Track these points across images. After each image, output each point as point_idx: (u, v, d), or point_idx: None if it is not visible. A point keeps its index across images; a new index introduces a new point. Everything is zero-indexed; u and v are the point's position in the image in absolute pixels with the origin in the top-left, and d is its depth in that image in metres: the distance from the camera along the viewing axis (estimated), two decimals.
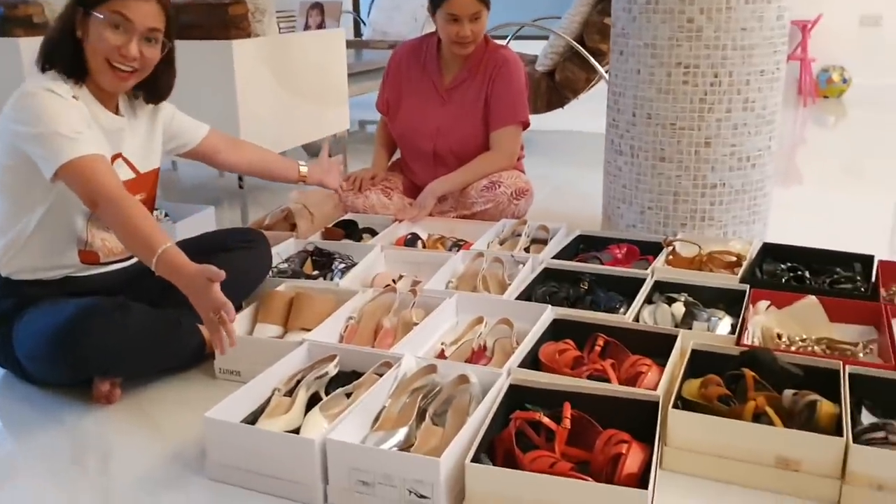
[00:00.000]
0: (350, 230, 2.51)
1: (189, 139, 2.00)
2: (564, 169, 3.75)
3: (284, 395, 1.54)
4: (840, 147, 4.43)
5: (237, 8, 2.80)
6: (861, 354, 1.69)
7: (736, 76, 2.31)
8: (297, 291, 1.93)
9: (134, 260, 1.88)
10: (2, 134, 1.65)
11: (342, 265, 2.20)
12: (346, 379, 1.60)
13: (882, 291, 1.96)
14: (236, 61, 2.75)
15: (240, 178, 3.00)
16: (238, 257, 1.92)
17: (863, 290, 1.96)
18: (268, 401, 1.53)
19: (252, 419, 1.48)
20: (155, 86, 1.80)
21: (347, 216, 2.61)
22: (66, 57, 1.66)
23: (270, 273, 2.08)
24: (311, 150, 4.24)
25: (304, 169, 2.26)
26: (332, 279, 2.12)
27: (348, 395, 1.54)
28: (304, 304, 1.87)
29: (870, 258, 2.12)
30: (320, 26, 4.23)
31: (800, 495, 1.34)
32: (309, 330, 1.79)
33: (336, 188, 2.46)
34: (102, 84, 1.69)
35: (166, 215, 2.55)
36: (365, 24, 5.88)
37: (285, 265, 2.20)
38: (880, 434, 1.36)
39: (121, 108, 1.79)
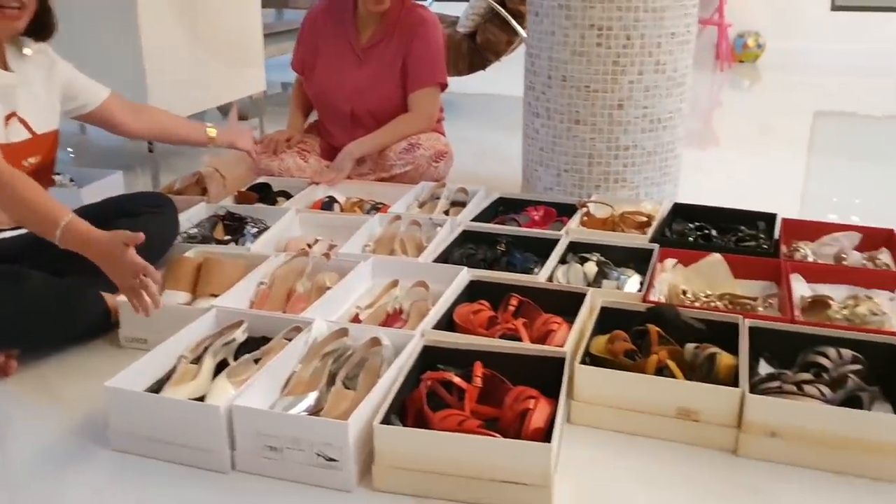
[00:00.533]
0: (264, 194, 2.46)
1: (88, 100, 1.92)
2: (487, 132, 3.75)
3: (191, 363, 1.51)
4: (754, 110, 4.55)
5: None
6: (760, 308, 1.75)
7: (648, 38, 2.33)
8: (206, 257, 1.89)
9: None
10: None
11: (254, 229, 2.16)
12: (255, 345, 1.58)
13: (783, 248, 2.03)
14: (141, 17, 2.64)
15: (150, 143, 2.90)
16: (143, 222, 1.85)
17: (765, 247, 2.03)
18: (173, 369, 1.49)
19: (157, 388, 1.44)
20: (41, 22, 1.74)
21: (262, 179, 2.56)
22: None
23: (178, 238, 2.03)
24: (225, 112, 4.13)
25: (212, 131, 2.20)
26: (243, 244, 2.08)
27: (257, 361, 1.52)
28: (213, 270, 1.83)
29: (773, 216, 2.19)
30: None
31: (699, 444, 1.39)
32: (217, 296, 1.75)
33: (248, 150, 2.40)
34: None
35: (71, 180, 2.45)
36: None
37: (195, 230, 2.14)
38: (775, 384, 1.41)
39: (10, 64, 1.70)
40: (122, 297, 1.71)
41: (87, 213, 1.88)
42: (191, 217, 2.20)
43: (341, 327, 1.57)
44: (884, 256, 2.01)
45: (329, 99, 2.68)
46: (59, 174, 2.38)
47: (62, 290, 1.66)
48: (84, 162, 3.20)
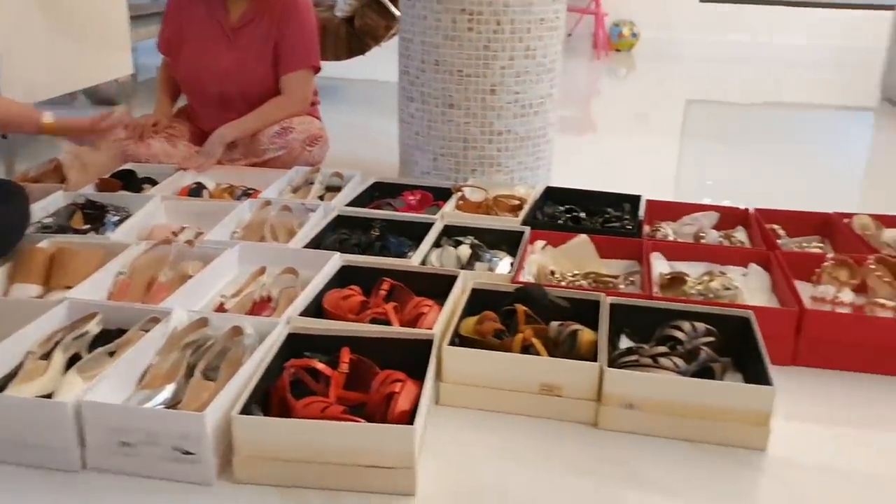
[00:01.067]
0: (129, 181, 2.35)
1: None
2: (366, 117, 3.72)
3: (40, 359, 1.42)
4: (629, 97, 4.71)
5: None
6: (622, 286, 1.81)
7: (518, 24, 2.36)
8: (59, 247, 1.78)
9: None
10: None
11: (116, 218, 2.05)
12: (111, 338, 1.50)
13: (646, 228, 2.11)
14: None
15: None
16: None
17: (629, 227, 2.10)
18: (20, 365, 1.40)
19: (2, 386, 1.35)
20: None
21: (127, 166, 2.44)
22: None
23: (31, 229, 1.91)
24: (96, 99, 3.93)
25: (47, 119, 2.04)
26: (104, 233, 1.98)
27: (112, 355, 1.45)
28: (67, 260, 1.74)
29: (638, 198, 2.27)
30: None
31: (562, 418, 1.43)
32: (72, 288, 1.66)
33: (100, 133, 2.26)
34: None
35: None
36: None
37: (50, 219, 2.02)
38: (632, 357, 1.47)
39: None
40: None
41: None
42: (46, 206, 2.07)
43: (201, 317, 1.52)
44: (739, 234, 2.12)
45: (198, 81, 2.59)
46: None
47: None
48: None
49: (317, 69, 2.60)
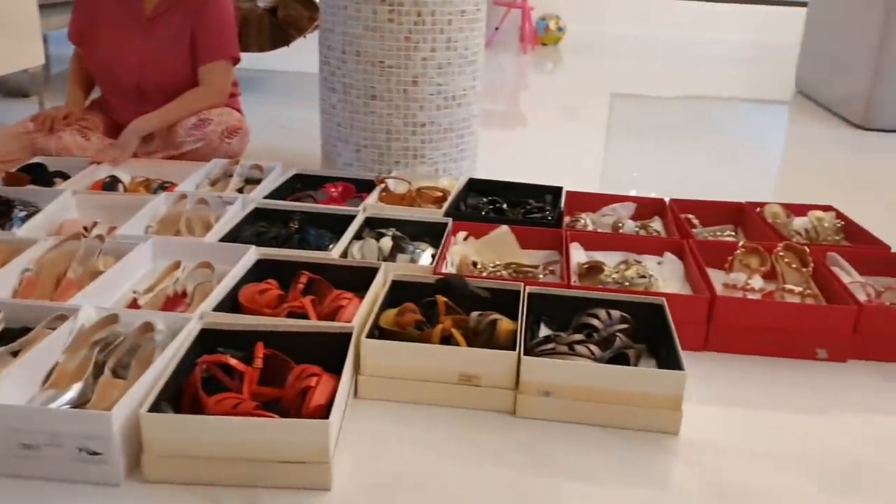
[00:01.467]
0: (38, 175, 2.26)
1: None
2: (289, 109, 3.67)
3: None
4: (556, 91, 4.76)
5: None
6: (541, 275, 1.83)
7: (438, 15, 2.36)
8: None
9: None
10: None
11: (23, 213, 1.97)
12: (15, 337, 1.44)
13: (566, 219, 2.14)
14: None
15: None
16: None
17: (549, 218, 2.12)
18: None
19: None
20: None
21: (37, 159, 2.35)
22: None
23: None
24: (7, 91, 3.76)
25: None
26: (10, 228, 1.90)
27: (15, 354, 1.39)
28: None
29: (559, 189, 2.30)
30: None
31: (481, 406, 1.43)
32: None
33: None
34: None
35: None
36: None
37: None
38: (550, 346, 1.48)
39: None
40: None
41: None
42: None
43: (111, 313, 1.47)
44: (655, 224, 2.16)
45: (112, 73, 2.51)
46: None
47: None
48: None
49: (236, 60, 2.54)
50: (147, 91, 2.50)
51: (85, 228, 1.93)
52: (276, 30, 3.85)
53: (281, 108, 3.68)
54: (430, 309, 1.62)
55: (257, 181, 2.37)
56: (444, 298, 1.60)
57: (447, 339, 1.50)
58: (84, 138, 2.46)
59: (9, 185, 2.15)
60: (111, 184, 2.24)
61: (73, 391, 1.30)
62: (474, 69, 2.52)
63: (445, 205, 2.17)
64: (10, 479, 1.21)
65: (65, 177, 2.29)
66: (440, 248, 1.90)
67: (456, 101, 2.47)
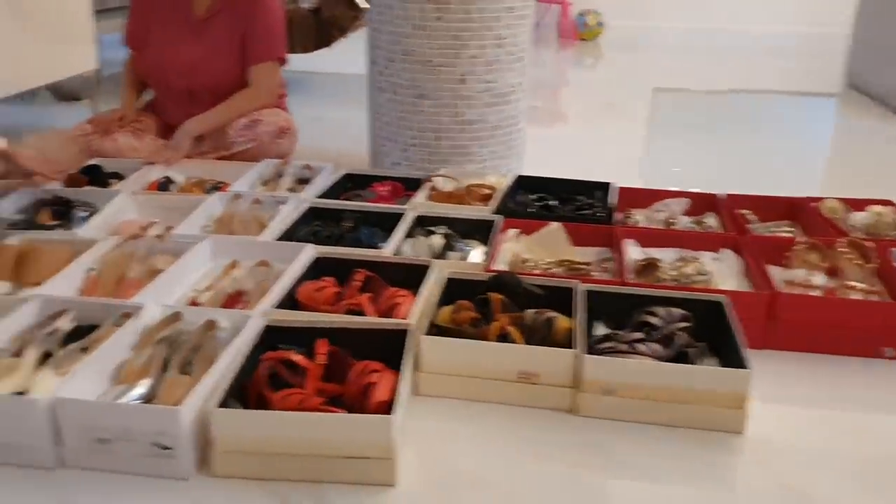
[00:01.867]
0: (95, 176, 2.31)
1: None
2: (333, 110, 3.70)
3: (11, 356, 1.39)
4: (597, 86, 4.74)
5: None
6: (595, 273, 1.82)
7: (487, 12, 2.36)
8: (28, 243, 1.75)
9: None
10: None
11: (84, 213, 2.02)
12: (84, 334, 1.48)
13: (618, 215, 2.12)
14: None
15: None
16: None
17: (600, 214, 2.11)
18: None
19: None
20: None
21: (93, 161, 2.40)
22: None
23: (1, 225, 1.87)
24: (61, 95, 3.85)
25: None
26: (71, 229, 1.94)
27: (84, 351, 1.43)
28: (36, 257, 1.70)
29: (608, 185, 2.28)
30: None
31: (540, 404, 1.43)
32: (41, 285, 1.63)
33: (31, 172, 2.12)
34: None
35: None
36: None
37: (17, 216, 1.98)
38: (609, 344, 1.48)
39: None
40: None
41: None
42: (12, 202, 2.03)
43: (174, 311, 1.50)
44: (709, 220, 2.14)
45: (163, 75, 2.55)
46: None
47: None
48: None
49: (284, 61, 2.57)
50: (197, 93, 2.54)
51: (142, 228, 1.97)
52: (319, 30, 3.89)
53: (325, 108, 3.71)
54: (484, 306, 1.62)
55: (307, 181, 2.39)
56: (499, 296, 1.61)
57: (503, 337, 1.50)
58: (137, 140, 2.51)
59: (68, 186, 2.20)
60: (165, 184, 2.29)
61: (142, 387, 1.33)
62: (522, 65, 2.51)
63: (494, 202, 2.17)
64: (87, 472, 1.24)
65: (120, 178, 2.33)
66: (491, 245, 1.90)
67: (504, 97, 2.47)
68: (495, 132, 2.50)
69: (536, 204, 2.21)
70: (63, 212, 2.04)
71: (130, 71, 2.65)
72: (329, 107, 3.77)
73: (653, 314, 1.54)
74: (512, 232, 1.98)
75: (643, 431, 1.38)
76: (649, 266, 1.80)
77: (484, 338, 1.48)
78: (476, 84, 2.41)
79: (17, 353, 1.41)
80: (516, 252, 1.89)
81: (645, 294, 1.62)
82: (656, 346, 1.46)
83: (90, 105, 3.48)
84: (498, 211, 2.10)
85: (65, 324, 1.46)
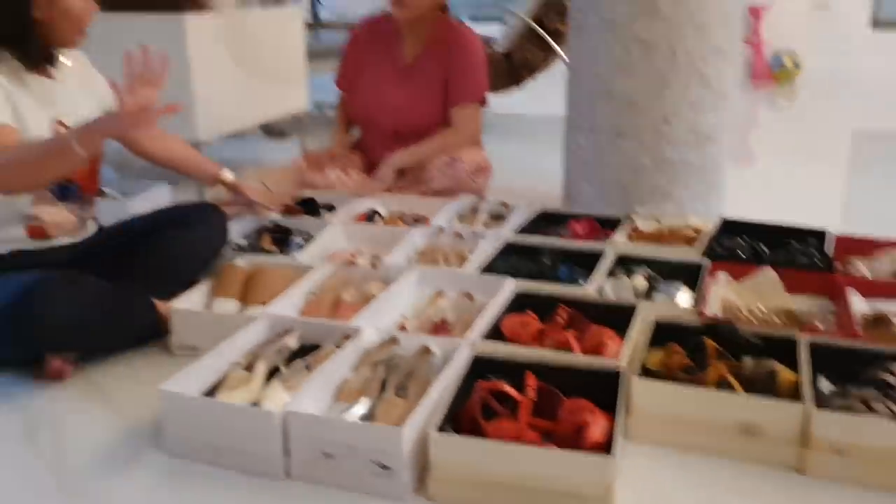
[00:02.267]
0: (309, 207, 2.47)
1: None
2: (521, 149, 3.75)
3: (243, 370, 1.50)
4: (792, 128, 4.50)
5: None
6: (819, 324, 1.71)
7: (693, 53, 2.31)
8: (255, 266, 1.89)
9: (85, 233, 1.82)
10: None
11: (300, 240, 2.16)
12: (305, 352, 1.57)
13: (838, 264, 1.99)
14: (189, 36, 2.67)
15: None
16: (193, 232, 1.88)
17: (819, 262, 1.98)
18: (226, 375, 1.49)
19: (209, 393, 1.44)
20: None
21: (306, 193, 2.57)
22: (21, 42, 1.63)
23: (227, 248, 2.04)
24: (270, 132, 4.16)
25: (228, 175, 2.13)
26: (289, 254, 2.08)
27: (308, 368, 1.51)
28: (262, 279, 1.84)
29: (822, 233, 2.15)
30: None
31: (762, 461, 1.35)
32: (266, 304, 1.75)
33: (253, 203, 2.27)
34: (71, 46, 1.70)
35: (118, 191, 2.47)
36: (322, 4, 5.80)
37: (243, 240, 2.16)
38: (841, 400, 1.38)
39: (54, 74, 1.74)
40: (174, 304, 1.73)
41: (139, 222, 1.91)
42: (238, 228, 2.21)
43: (391, 335, 1.56)
44: None
45: (371, 116, 2.70)
46: (106, 189, 2.42)
47: (116, 294, 1.67)
48: (130, 174, 3.23)
49: (485, 103, 2.65)
50: (402, 132, 2.66)
51: (352, 256, 2.08)
52: (509, 72, 3.97)
53: (507, 147, 3.76)
54: (695, 352, 1.57)
55: (502, 217, 2.43)
56: (713, 343, 1.54)
57: (722, 385, 1.44)
58: (346, 174, 2.66)
59: (285, 216, 2.37)
60: (372, 216, 2.40)
61: (362, 406, 1.39)
62: (726, 105, 2.44)
63: (699, 244, 2.10)
64: (311, 485, 1.30)
65: (331, 208, 2.48)
66: (700, 289, 1.84)
67: (707, 138, 2.41)
68: (696, 173, 2.43)
69: (746, 248, 2.11)
70: (282, 239, 2.19)
71: (342, 112, 2.82)
72: (513, 146, 3.82)
73: (889, 372, 1.42)
74: (722, 276, 1.91)
75: (878, 500, 1.27)
76: (880, 320, 1.66)
77: (700, 385, 1.43)
78: (679, 124, 2.36)
79: (248, 367, 1.51)
80: (727, 298, 1.82)
81: (878, 350, 1.50)
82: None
83: (298, 142, 3.73)
84: (705, 254, 2.03)
85: (291, 342, 1.56)
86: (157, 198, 2.47)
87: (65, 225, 1.76)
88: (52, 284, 1.54)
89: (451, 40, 2.59)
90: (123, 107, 1.50)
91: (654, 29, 2.29)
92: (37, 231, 1.72)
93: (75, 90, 1.79)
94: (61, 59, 1.76)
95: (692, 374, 1.48)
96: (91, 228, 1.86)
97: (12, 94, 1.61)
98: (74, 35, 1.68)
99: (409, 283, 1.90)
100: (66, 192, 1.75)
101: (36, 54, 1.67)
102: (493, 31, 4.27)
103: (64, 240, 1.77)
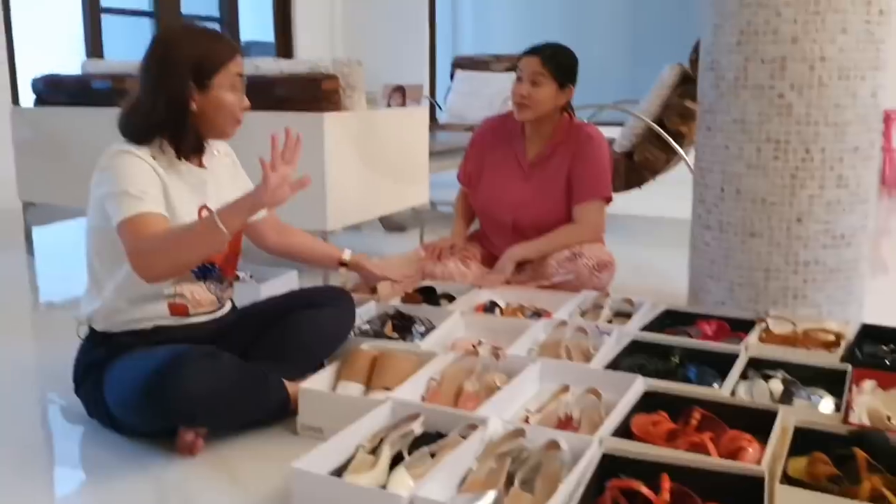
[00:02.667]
0: (429, 296, 2.51)
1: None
2: (643, 249, 3.70)
3: (368, 453, 1.51)
4: None
5: (329, 83, 2.90)
6: None
7: (829, 153, 2.26)
8: (381, 350, 1.91)
9: (223, 312, 1.89)
10: (92, 198, 1.73)
11: (422, 328, 2.18)
12: (429, 439, 1.56)
13: None
14: (326, 132, 2.83)
15: None
16: (323, 314, 1.93)
17: None
18: (351, 457, 1.49)
19: (336, 474, 1.44)
20: None
21: (426, 283, 2.61)
22: (177, 131, 1.74)
23: (353, 333, 2.08)
24: (388, 226, 4.30)
25: (346, 255, 2.14)
26: (411, 341, 2.10)
27: (432, 456, 1.50)
28: (388, 363, 1.86)
29: None
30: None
31: None
32: (390, 389, 1.76)
33: (393, 278, 2.30)
34: (224, 137, 1.81)
35: (251, 276, 2.59)
36: (441, 108, 6.03)
37: (367, 326, 2.20)
38: None
39: (204, 163, 1.85)
40: (303, 385, 1.77)
41: (272, 304, 1.98)
42: (362, 314, 2.26)
43: (518, 427, 1.53)
44: None
45: (493, 210, 2.74)
46: (241, 273, 2.54)
47: (250, 371, 1.72)
48: (256, 261, 3.39)
49: (609, 200, 2.65)
50: (522, 228, 2.69)
51: (473, 346, 2.07)
52: (630, 172, 3.98)
53: (627, 246, 3.73)
54: (841, 463, 1.46)
55: (626, 315, 2.38)
56: (864, 453, 1.43)
57: (876, 501, 1.33)
58: (465, 266, 2.70)
59: (406, 303, 2.41)
60: (491, 307, 2.41)
61: (488, 497, 1.35)
62: (865, 208, 2.34)
63: (840, 350, 1.99)
64: None
65: (450, 298, 2.51)
66: (844, 396, 1.73)
67: (845, 240, 2.31)
68: (832, 276, 2.33)
69: (890, 356, 1.98)
70: (404, 326, 2.22)
71: (462, 205, 2.89)
72: (635, 245, 3.78)
73: None
74: (868, 384, 1.79)
75: None
76: None
77: (853, 498, 1.32)
78: (813, 225, 2.29)
79: (373, 451, 1.51)
80: (874, 407, 1.69)
81: None
82: None
83: (415, 236, 3.82)
84: (846, 359, 1.92)
85: (416, 427, 1.55)
86: (286, 282, 2.56)
87: (204, 303, 1.84)
88: (191, 357, 1.61)
89: (576, 139, 2.64)
90: (267, 180, 1.59)
91: (787, 128, 2.26)
92: (178, 308, 1.81)
93: (223, 181, 1.89)
94: (213, 150, 1.90)
95: (841, 485, 1.37)
96: (227, 308, 1.94)
97: (167, 182, 1.72)
98: (226, 127, 1.79)
99: (533, 375, 1.88)
100: (206, 272, 1.83)
101: (189, 143, 1.77)
102: (613, 132, 4.31)
103: (202, 317, 1.85)
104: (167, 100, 1.72)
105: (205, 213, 1.79)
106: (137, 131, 1.73)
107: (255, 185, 1.66)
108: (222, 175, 1.91)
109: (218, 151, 1.92)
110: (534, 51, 2.60)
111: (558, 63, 2.57)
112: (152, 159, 1.71)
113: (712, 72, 2.39)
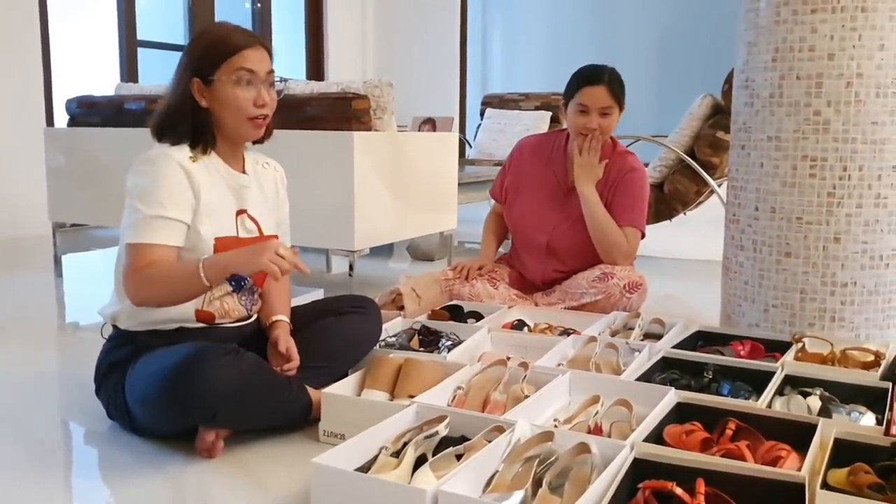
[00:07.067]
0: (455, 314, 2.48)
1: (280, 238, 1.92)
2: (671, 281, 3.65)
3: (391, 455, 1.46)
4: None
5: (360, 103, 2.92)
6: None
7: (867, 170, 2.22)
8: (406, 358, 1.88)
9: (249, 321, 1.87)
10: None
11: (448, 342, 2.15)
12: (454, 443, 1.51)
13: None
14: (356, 151, 2.83)
15: (350, 266, 3.02)
16: (349, 321, 1.91)
17: None
18: (373, 459, 1.46)
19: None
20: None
21: (453, 302, 2.58)
22: (194, 129, 1.72)
23: (379, 344, 2.05)
24: (416, 255, 4.28)
25: (277, 318, 1.88)
26: (438, 354, 2.07)
27: (458, 458, 1.46)
28: (413, 372, 1.82)
29: None
30: None
31: None
32: (415, 398, 1.72)
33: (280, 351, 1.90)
34: (243, 137, 1.76)
35: None
36: (471, 145, 6.06)
37: (393, 339, 2.17)
38: None
39: (247, 169, 1.84)
40: (326, 390, 1.73)
41: (297, 312, 1.95)
42: (389, 329, 2.23)
43: (546, 430, 1.48)
44: None
45: (528, 231, 2.72)
46: None
47: (272, 372, 1.70)
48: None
49: (643, 234, 2.63)
50: (556, 250, 2.66)
51: (503, 359, 2.03)
52: (661, 204, 3.94)
53: (655, 276, 3.68)
54: (883, 475, 1.39)
55: (657, 336, 2.33)
56: None
57: None
58: (493, 287, 2.67)
59: (432, 319, 2.38)
60: (520, 325, 2.37)
61: (515, 498, 1.31)
62: None
63: (880, 369, 1.92)
64: None
65: (477, 317, 2.47)
66: (886, 411, 1.66)
67: (884, 260, 2.25)
68: (871, 297, 2.26)
69: None
70: (430, 340, 2.19)
71: (492, 224, 2.87)
72: (663, 277, 3.72)
73: None
74: None
75: None
76: None
77: None
78: (851, 244, 2.23)
79: (396, 454, 1.47)
80: None
81: None
82: None
83: (442, 265, 3.79)
84: (886, 378, 1.85)
85: (442, 429, 1.51)
86: (313, 298, 2.55)
87: (233, 314, 1.82)
88: (214, 353, 1.58)
89: (619, 167, 2.61)
90: (269, 250, 1.58)
91: (824, 146, 2.22)
92: (205, 315, 1.79)
93: (267, 192, 1.87)
94: (262, 162, 1.89)
95: (883, 493, 1.31)
96: (253, 318, 1.91)
97: (201, 182, 1.70)
98: (238, 126, 1.73)
99: (562, 387, 1.83)
100: (240, 283, 1.81)
101: (208, 142, 1.74)
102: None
103: (227, 325, 1.83)
104: (178, 96, 1.72)
105: (244, 217, 1.79)
106: (160, 130, 1.74)
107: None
108: (267, 186, 1.88)
109: (267, 164, 1.91)
110: (595, 80, 2.51)
111: (620, 87, 2.55)
112: (189, 161, 1.71)
113: (746, 90, 2.37)
